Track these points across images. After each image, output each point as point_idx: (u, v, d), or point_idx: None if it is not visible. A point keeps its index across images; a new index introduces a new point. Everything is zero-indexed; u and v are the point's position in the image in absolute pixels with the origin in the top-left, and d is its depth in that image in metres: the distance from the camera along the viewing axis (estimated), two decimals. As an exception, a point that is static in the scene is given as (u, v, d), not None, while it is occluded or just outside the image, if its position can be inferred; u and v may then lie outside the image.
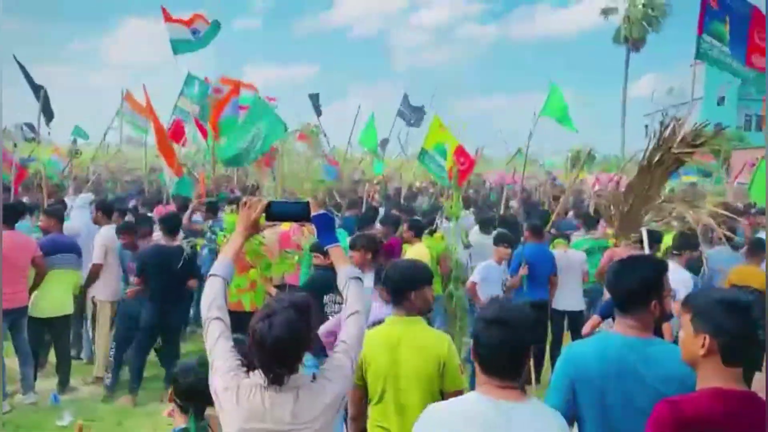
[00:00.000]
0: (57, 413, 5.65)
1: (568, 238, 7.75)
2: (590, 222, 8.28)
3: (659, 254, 5.95)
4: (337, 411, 2.18)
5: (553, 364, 2.90)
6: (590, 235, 7.92)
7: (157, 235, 6.69)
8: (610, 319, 4.22)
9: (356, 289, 2.35)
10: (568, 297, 6.91)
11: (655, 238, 5.70)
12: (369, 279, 4.29)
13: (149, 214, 8.38)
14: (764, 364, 2.18)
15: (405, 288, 3.06)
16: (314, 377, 2.15)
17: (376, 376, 2.98)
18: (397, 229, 7.67)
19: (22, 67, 12.47)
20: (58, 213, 6.65)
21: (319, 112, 19.63)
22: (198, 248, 6.55)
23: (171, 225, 6.31)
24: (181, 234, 6.55)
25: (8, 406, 5.75)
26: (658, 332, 3.51)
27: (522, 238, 7.14)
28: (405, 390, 2.93)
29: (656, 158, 4.15)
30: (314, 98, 19.61)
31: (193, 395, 2.70)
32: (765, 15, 6.44)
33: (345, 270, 2.40)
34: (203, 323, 2.26)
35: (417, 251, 6.58)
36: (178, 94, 12.86)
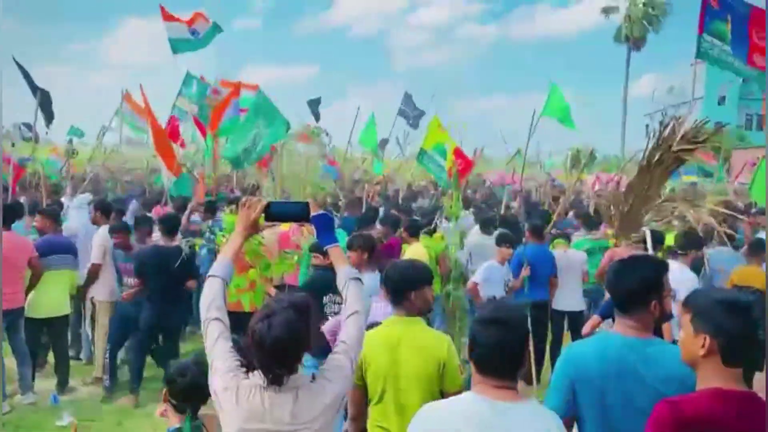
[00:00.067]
0: (56, 413, 5.65)
1: (568, 238, 7.74)
2: (591, 222, 8.27)
3: (660, 254, 5.94)
4: (336, 411, 2.18)
5: (553, 364, 2.89)
6: (591, 236, 7.91)
7: (157, 236, 6.69)
8: (610, 319, 4.22)
9: (356, 290, 2.34)
10: (568, 297, 6.90)
11: (658, 238, 5.70)
12: (366, 279, 4.28)
13: (148, 215, 8.37)
14: (765, 363, 2.18)
15: (405, 288, 3.06)
16: (314, 377, 2.15)
17: (376, 376, 2.98)
18: (397, 230, 7.67)
19: (22, 69, 12.43)
20: (53, 213, 6.64)
21: (317, 118, 19.60)
22: (197, 248, 6.54)
23: (170, 225, 6.31)
24: (180, 234, 6.54)
25: (8, 406, 5.75)
26: (658, 332, 3.50)
27: (523, 239, 7.14)
28: (405, 390, 2.93)
29: (656, 157, 4.15)
30: (313, 104, 19.57)
31: (191, 395, 2.69)
32: (765, 12, 6.44)
33: (344, 270, 2.40)
34: (202, 324, 2.26)
35: (415, 251, 6.58)
36: (177, 93, 12.84)
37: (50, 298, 6.14)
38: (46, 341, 6.47)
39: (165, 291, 6.00)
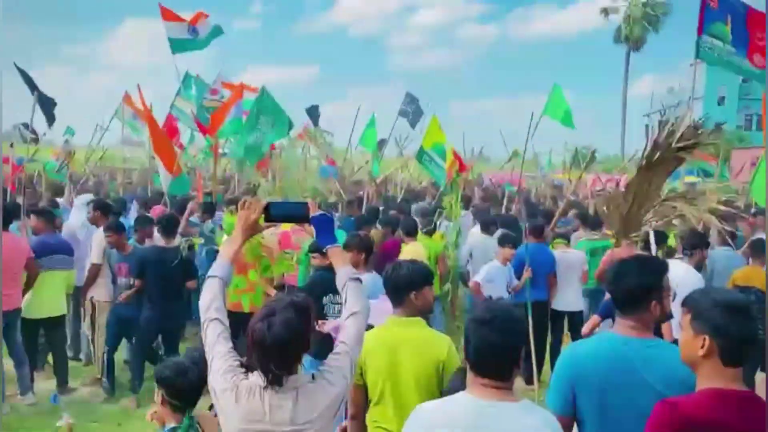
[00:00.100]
0: (56, 414, 5.63)
1: (568, 238, 7.73)
2: (593, 222, 8.25)
3: (660, 254, 5.94)
4: (336, 411, 2.18)
5: (553, 365, 2.89)
6: (591, 236, 7.89)
7: (157, 236, 6.68)
8: (610, 319, 4.22)
9: (355, 290, 2.34)
10: (568, 297, 6.90)
11: (662, 238, 5.69)
12: (364, 279, 4.29)
13: (148, 215, 8.35)
14: (765, 363, 2.18)
15: (405, 288, 3.05)
16: (313, 378, 2.15)
17: (376, 376, 2.98)
18: (396, 230, 7.66)
19: (23, 73, 12.38)
20: (47, 214, 6.60)
21: (316, 123, 19.54)
22: (196, 247, 6.53)
23: (168, 226, 6.31)
24: (179, 235, 6.53)
25: (7, 407, 5.74)
26: (658, 332, 3.50)
27: (523, 239, 7.12)
28: (405, 391, 2.93)
29: (655, 157, 4.14)
30: (313, 111, 19.53)
31: (190, 394, 2.69)
32: (765, 14, 6.44)
33: (344, 271, 2.39)
34: (202, 324, 2.26)
35: (412, 250, 6.57)
36: (175, 93, 12.82)
37: (46, 299, 6.13)
38: (45, 342, 6.46)
39: (165, 291, 6.00)
